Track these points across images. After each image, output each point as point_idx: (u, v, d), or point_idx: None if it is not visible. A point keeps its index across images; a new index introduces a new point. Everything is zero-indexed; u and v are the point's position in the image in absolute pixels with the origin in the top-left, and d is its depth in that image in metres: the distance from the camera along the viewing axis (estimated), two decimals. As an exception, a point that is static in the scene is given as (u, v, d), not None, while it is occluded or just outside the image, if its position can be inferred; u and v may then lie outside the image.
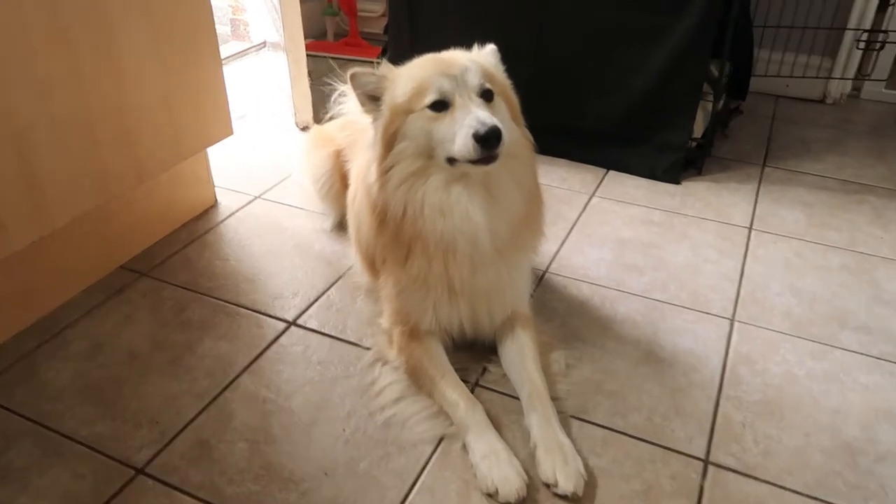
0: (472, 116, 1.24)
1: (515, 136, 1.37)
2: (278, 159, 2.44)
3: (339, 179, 1.94)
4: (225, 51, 3.52)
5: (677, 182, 2.35)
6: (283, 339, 1.62)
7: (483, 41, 1.47)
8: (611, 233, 2.07)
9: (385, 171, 1.36)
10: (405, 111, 1.32)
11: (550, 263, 1.91)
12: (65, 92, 1.51)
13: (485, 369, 1.53)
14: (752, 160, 2.52)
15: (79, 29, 1.51)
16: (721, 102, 2.45)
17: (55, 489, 1.25)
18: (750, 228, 2.10)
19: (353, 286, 1.81)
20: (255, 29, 3.57)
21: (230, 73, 3.25)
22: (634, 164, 2.40)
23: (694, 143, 2.38)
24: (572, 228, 2.08)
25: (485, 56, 1.40)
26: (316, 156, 1.99)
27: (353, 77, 1.36)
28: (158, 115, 1.76)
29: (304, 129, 2.65)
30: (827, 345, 1.63)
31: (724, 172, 2.42)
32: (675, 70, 2.23)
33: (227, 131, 2.00)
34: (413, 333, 1.49)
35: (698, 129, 2.36)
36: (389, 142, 1.34)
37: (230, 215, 2.11)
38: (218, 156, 2.37)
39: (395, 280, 1.50)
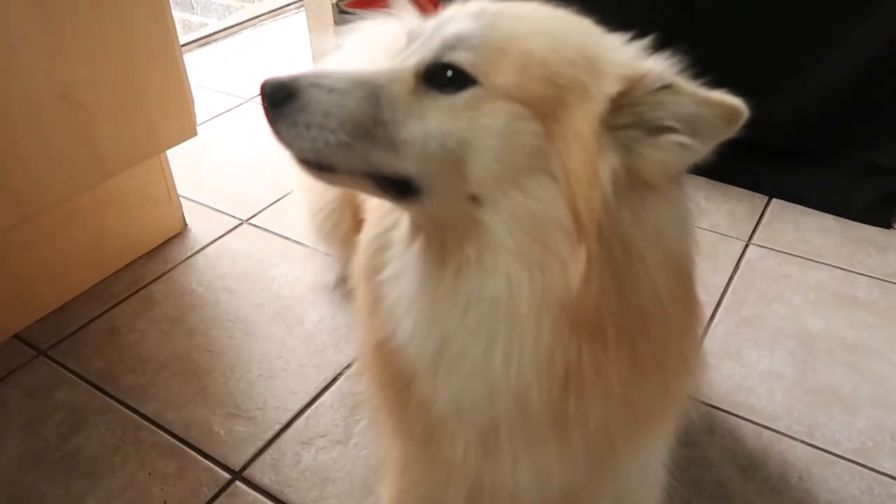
0: None
1: (526, 208, 0.56)
2: (285, 164, 1.74)
3: (349, 214, 1.23)
4: (260, 7, 2.87)
5: (888, 225, 1.49)
6: (215, 510, 0.95)
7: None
8: (787, 318, 1.26)
9: None
10: None
11: (684, 374, 1.13)
12: None
13: None
14: None
15: None
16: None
17: None
18: None
19: (352, 402, 1.10)
20: (298, -19, 2.88)
21: (260, 35, 2.58)
22: (814, 193, 1.55)
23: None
24: (719, 305, 1.29)
25: (589, 40, 0.59)
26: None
27: None
28: (56, 114, 1.09)
29: (332, 117, 1.94)
30: None
31: (961, 211, 1.54)
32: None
33: (187, 131, 1.32)
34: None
35: (925, 141, 1.49)
36: None
37: (199, 251, 1.44)
38: (200, 156, 1.71)
39: (394, 441, 0.80)
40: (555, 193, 0.55)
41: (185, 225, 1.50)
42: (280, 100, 0.57)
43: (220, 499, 0.97)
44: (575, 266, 0.55)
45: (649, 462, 0.78)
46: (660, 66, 0.56)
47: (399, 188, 0.59)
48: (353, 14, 2.50)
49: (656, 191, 0.56)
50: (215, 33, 2.53)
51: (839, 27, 1.43)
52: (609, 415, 0.63)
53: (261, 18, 2.68)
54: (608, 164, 0.54)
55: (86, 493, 0.97)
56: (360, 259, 0.83)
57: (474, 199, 0.57)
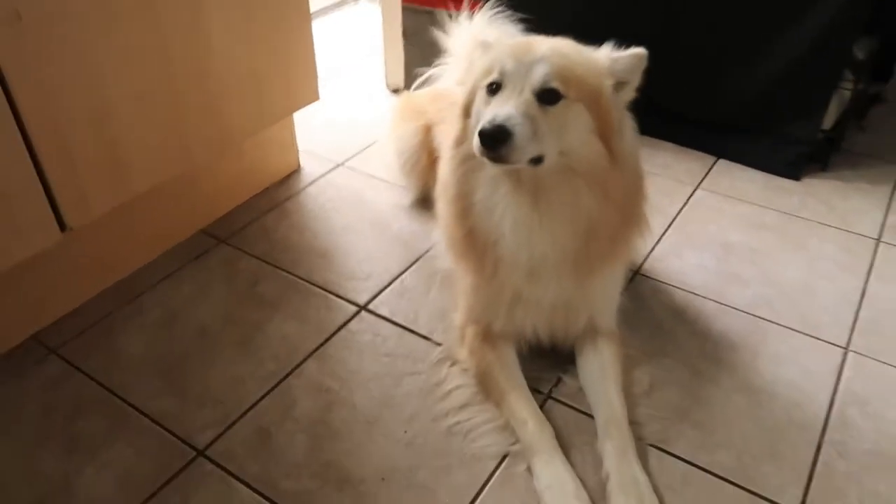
0: (490, 110, 1.12)
1: (586, 152, 1.17)
2: (365, 124, 2.36)
3: (425, 155, 1.84)
4: (321, 1, 3.45)
5: (797, 178, 2.09)
6: (352, 325, 1.57)
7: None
8: (715, 234, 1.87)
9: (456, 145, 1.28)
10: (477, 86, 1.22)
11: (643, 263, 1.75)
12: (150, 64, 1.46)
13: (559, 380, 1.42)
14: (889, 158, 2.21)
15: (164, 3, 1.45)
16: (859, 87, 2.14)
17: (119, 463, 1.26)
18: (878, 240, 1.85)
19: (428, 273, 1.72)
20: (355, -22, 3.46)
21: (325, 24, 3.18)
22: (749, 155, 2.15)
23: (822, 136, 2.10)
24: (671, 225, 1.90)
25: (591, 57, 1.20)
26: (403, 128, 1.89)
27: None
28: (244, 84, 1.71)
29: (395, 91, 2.55)
30: (961, 393, 1.42)
31: (853, 170, 2.14)
32: (813, 51, 1.95)
33: (312, 97, 1.93)
34: (486, 335, 1.40)
35: (829, 118, 2.08)
36: (463, 115, 1.26)
37: (311, 183, 2.06)
38: (304, 116, 2.32)
39: (470, 275, 1.41)
40: (601, 146, 1.18)
41: (299, 165, 2.12)
42: (500, 140, 1.08)
43: (350, 325, 1.59)
44: (614, 175, 1.18)
45: (609, 286, 1.41)
46: (615, 55, 1.19)
47: (535, 162, 1.16)
48: (415, 10, 3.08)
49: (628, 118, 1.21)
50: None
51: (774, 30, 1.99)
52: (602, 249, 1.27)
53: (323, 11, 3.27)
54: (617, 109, 1.19)
55: (272, 314, 1.60)
56: (447, 177, 1.35)
57: (563, 154, 1.17)
